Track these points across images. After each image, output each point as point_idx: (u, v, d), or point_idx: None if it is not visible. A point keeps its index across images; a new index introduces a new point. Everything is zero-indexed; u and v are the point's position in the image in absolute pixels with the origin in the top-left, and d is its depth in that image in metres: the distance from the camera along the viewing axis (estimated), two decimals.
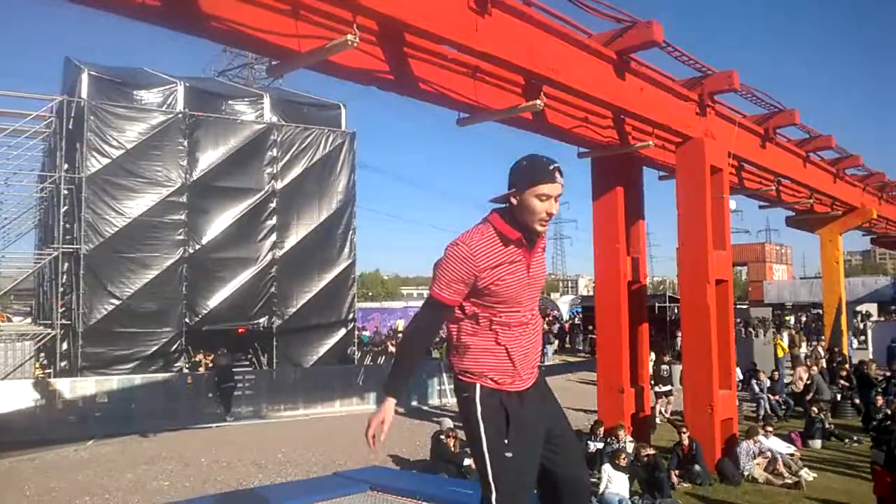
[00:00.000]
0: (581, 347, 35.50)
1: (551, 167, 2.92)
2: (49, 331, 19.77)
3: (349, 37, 6.60)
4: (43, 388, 16.56)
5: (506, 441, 2.94)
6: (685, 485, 10.93)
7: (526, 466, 3.00)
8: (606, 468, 10.31)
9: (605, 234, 13.31)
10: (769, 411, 16.48)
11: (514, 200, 2.94)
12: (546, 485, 3.15)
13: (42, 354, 20.38)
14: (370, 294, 76.99)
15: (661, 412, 16.12)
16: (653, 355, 16.32)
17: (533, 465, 3.04)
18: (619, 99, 10.50)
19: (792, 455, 11.75)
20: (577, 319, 41.86)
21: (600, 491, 10.06)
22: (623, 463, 10.35)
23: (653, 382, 16.53)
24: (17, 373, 18.34)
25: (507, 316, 3.00)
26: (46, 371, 19.75)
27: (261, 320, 21.00)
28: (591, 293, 45.61)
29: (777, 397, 17.14)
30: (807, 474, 11.14)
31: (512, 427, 2.96)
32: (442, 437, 11.74)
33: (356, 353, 23.62)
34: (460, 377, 3.06)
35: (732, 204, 15.95)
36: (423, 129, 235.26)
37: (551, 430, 3.11)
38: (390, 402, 3.04)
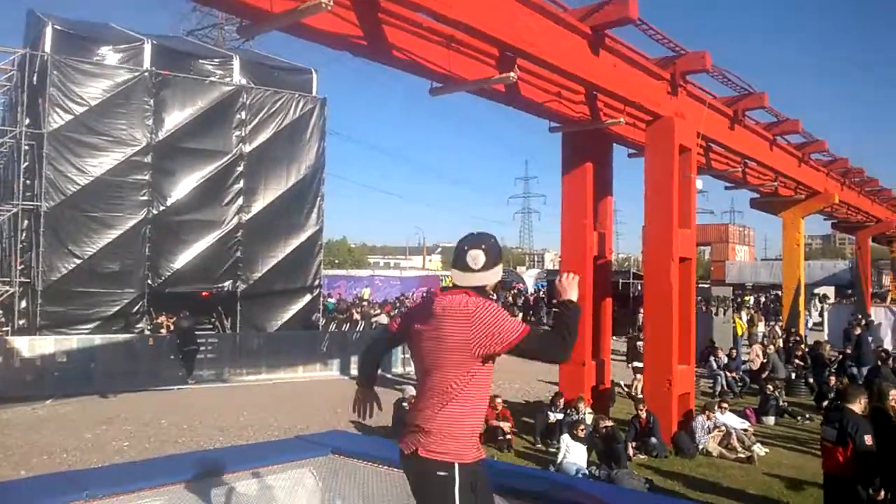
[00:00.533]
0: (545, 321, 35.83)
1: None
2: (7, 288, 19.39)
3: None
4: (0, 346, 16.29)
5: None
6: (641, 456, 11.17)
7: None
8: (565, 438, 10.51)
9: (573, 209, 13.40)
10: (725, 387, 16.87)
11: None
12: None
13: (0, 312, 20.00)
14: (336, 262, 76.66)
15: (635, 388, 16.25)
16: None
17: None
18: (593, 74, 10.53)
19: (746, 430, 12.06)
20: (542, 293, 42.18)
21: (559, 460, 10.27)
22: (581, 434, 10.56)
23: (629, 358, 16.85)
24: None
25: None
26: (4, 329, 19.40)
27: (225, 284, 20.83)
28: (556, 268, 45.93)
29: (734, 374, 17.53)
30: (759, 449, 11.46)
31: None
32: (404, 403, 11.82)
33: (321, 319, 23.58)
34: (445, 450, 3.21)
35: (699, 184, 16.17)
36: (393, 98, 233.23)
37: None
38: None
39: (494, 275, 3.35)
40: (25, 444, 11.45)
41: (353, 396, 3.72)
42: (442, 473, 3.13)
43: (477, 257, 3.32)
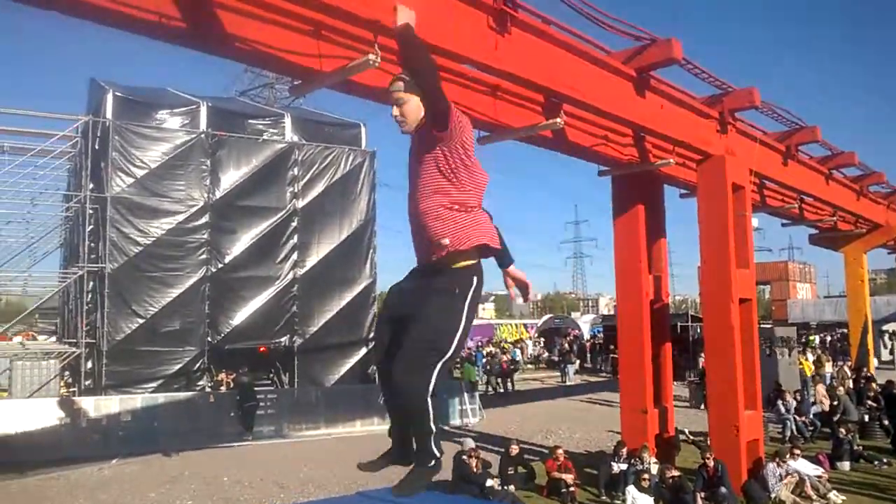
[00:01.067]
0: (602, 367, 35.23)
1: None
2: (74, 349, 19.95)
3: (371, 56, 6.65)
4: (68, 407, 16.70)
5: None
6: None
7: None
8: (631, 490, 10.22)
9: (626, 253, 13.25)
10: (795, 432, 16.21)
11: None
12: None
13: (67, 373, 20.54)
14: None
15: None
16: None
17: None
18: (639, 116, 10.48)
19: (819, 477, 11.56)
20: (598, 339, 41.57)
21: None
22: (647, 484, 10.24)
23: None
24: (43, 391, 18.50)
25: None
26: (71, 389, 19.91)
27: (282, 339, 21.06)
28: (612, 312, 45.38)
29: (804, 418, 16.88)
30: (835, 497, 10.97)
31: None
32: (464, 457, 11.65)
33: (377, 372, 23.58)
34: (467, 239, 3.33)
35: (755, 222, 15.81)
36: None
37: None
38: None
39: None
40: None
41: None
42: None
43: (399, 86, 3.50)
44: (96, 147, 19.88)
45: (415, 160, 3.44)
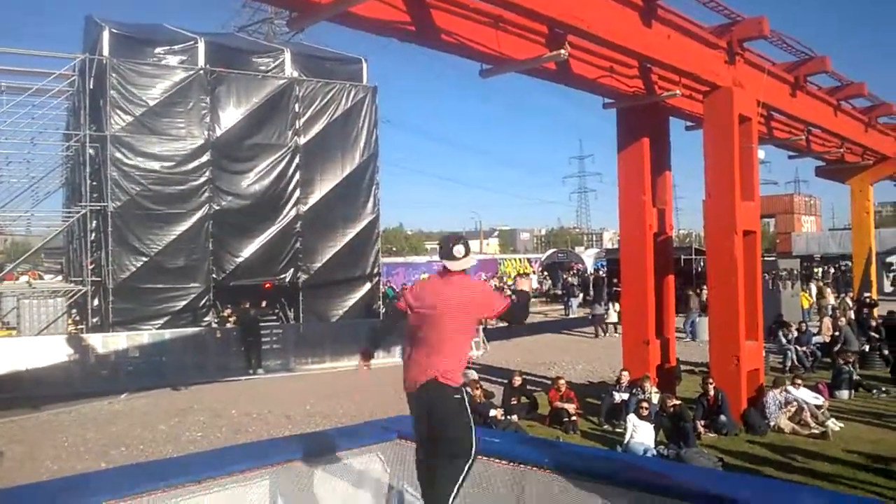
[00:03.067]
0: (605, 299, 35.41)
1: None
2: (80, 287, 20.11)
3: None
4: (76, 344, 16.94)
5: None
6: (711, 435, 10.97)
7: None
8: (631, 418, 10.38)
9: (630, 186, 13.18)
10: (796, 362, 16.40)
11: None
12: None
13: (74, 311, 20.75)
14: (394, 249, 77.29)
15: None
16: None
17: None
18: (646, 47, 10.29)
19: (819, 406, 11.72)
20: (602, 272, 41.73)
21: (626, 441, 10.16)
22: (647, 413, 10.41)
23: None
24: (51, 329, 18.73)
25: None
26: (79, 327, 20.14)
27: (286, 275, 21.18)
28: (615, 246, 45.44)
29: (804, 349, 17.05)
30: (834, 424, 11.13)
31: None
32: (467, 388, 11.81)
33: (381, 307, 23.79)
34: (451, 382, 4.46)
35: (761, 154, 15.70)
36: (444, 83, 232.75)
37: None
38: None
39: (470, 261, 4.57)
40: (104, 437, 11.88)
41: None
42: (457, 396, 4.45)
43: (459, 250, 4.53)
44: (93, 86, 19.62)
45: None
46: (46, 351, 16.24)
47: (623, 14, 9.73)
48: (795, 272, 24.07)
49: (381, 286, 24.56)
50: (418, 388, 4.42)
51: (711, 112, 12.26)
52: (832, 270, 39.14)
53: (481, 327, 22.10)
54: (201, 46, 20.45)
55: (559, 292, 37.61)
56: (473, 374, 12.61)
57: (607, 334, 23.32)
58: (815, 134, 18.55)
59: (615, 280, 24.49)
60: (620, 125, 13.41)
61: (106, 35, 19.31)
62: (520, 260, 54.10)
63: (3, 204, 22.38)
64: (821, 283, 29.40)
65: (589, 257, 51.92)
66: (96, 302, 19.68)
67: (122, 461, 10.00)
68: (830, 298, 25.91)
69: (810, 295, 25.80)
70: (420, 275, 40.51)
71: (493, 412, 11.18)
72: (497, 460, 5.30)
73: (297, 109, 21.35)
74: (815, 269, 37.90)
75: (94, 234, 19.84)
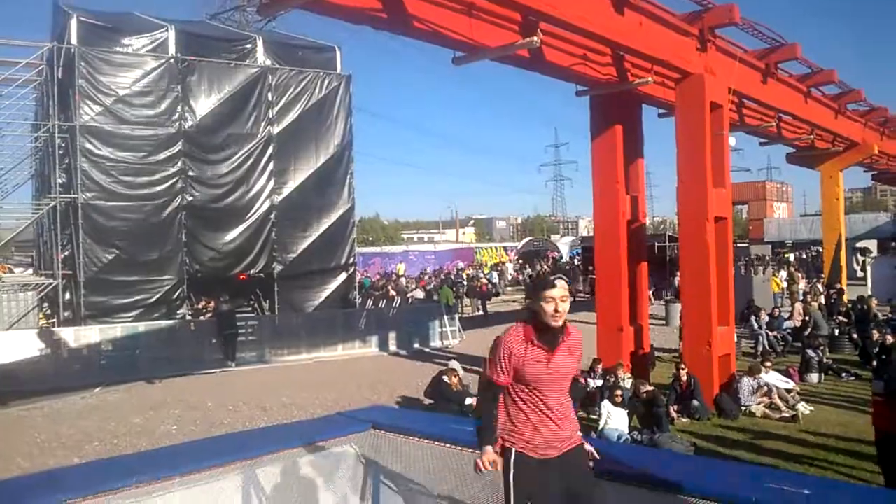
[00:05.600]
0: (581, 288, 35.67)
1: (553, 277, 3.73)
2: (51, 281, 19.81)
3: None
4: (48, 338, 16.70)
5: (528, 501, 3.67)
6: (683, 420, 11.11)
7: None
8: (605, 405, 10.47)
9: (604, 173, 13.26)
10: (767, 347, 16.64)
11: (532, 308, 3.77)
12: None
13: (45, 304, 20.45)
14: (370, 239, 77.10)
15: None
16: None
17: None
18: (618, 34, 10.33)
19: (789, 390, 11.90)
20: (577, 260, 41.99)
21: (600, 427, 10.24)
22: (620, 400, 10.50)
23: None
24: (22, 323, 18.46)
25: (535, 396, 3.73)
26: (50, 321, 19.86)
27: (261, 266, 21.03)
28: (590, 234, 45.72)
29: (776, 333, 17.28)
30: (804, 408, 11.31)
31: (538, 492, 3.69)
32: (444, 377, 11.83)
33: (357, 297, 23.75)
34: (503, 438, 3.76)
35: (732, 141, 15.80)
36: (417, 72, 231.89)
37: (575, 493, 3.75)
38: (489, 449, 3.68)
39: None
40: (78, 432, 11.76)
41: (478, 458, 3.71)
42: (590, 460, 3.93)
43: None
44: (61, 76, 19.26)
45: (546, 362, 3.72)
46: (17, 345, 16.01)
47: (595, 1, 9.75)
48: (767, 258, 24.38)
49: (357, 276, 24.49)
50: (561, 455, 3.77)
51: (683, 99, 12.34)
52: (803, 256, 39.69)
53: (456, 316, 22.19)
54: (172, 34, 20.13)
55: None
56: (455, 365, 12.61)
57: None
58: (785, 121, 18.73)
59: (590, 268, 24.67)
60: (594, 113, 13.46)
61: (74, 23, 18.94)
62: (496, 248, 54.24)
63: None
64: (792, 269, 29.78)
65: (565, 245, 52.20)
66: (67, 295, 19.40)
67: (95, 456, 9.91)
68: (802, 283, 26.28)
69: (781, 280, 26.14)
70: (396, 264, 40.52)
71: (468, 400, 11.21)
72: (472, 450, 5.29)
73: (270, 98, 21.13)
74: (786, 255, 38.37)
75: (63, 227, 19.52)
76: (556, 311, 3.64)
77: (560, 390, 3.81)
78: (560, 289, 3.67)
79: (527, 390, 3.75)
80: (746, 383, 11.77)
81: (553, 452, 3.73)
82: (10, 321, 18.32)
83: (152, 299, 19.30)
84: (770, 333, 17.14)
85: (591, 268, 30.13)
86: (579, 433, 3.96)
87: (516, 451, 3.72)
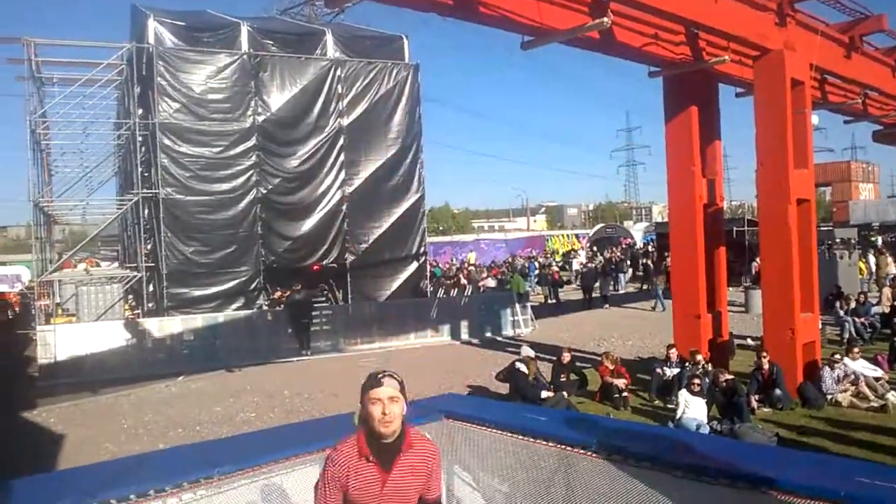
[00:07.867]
0: (652, 271, 34.94)
1: (379, 375, 3.08)
2: (135, 273, 20.55)
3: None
4: (133, 328, 17.39)
5: None
6: (765, 410, 10.76)
7: None
8: (683, 393, 10.20)
9: (678, 156, 12.91)
10: (854, 334, 15.93)
11: (361, 415, 3.10)
12: None
13: (130, 296, 21.25)
14: (441, 228, 77.36)
15: None
16: None
17: None
18: (692, 12, 10.01)
19: (878, 378, 11.38)
20: (651, 247, 41.17)
21: (678, 416, 10.00)
22: (699, 388, 10.22)
23: None
24: (109, 314, 19.20)
25: None
26: (135, 312, 20.62)
27: (334, 256, 21.33)
28: (665, 220, 44.73)
29: (863, 320, 16.55)
30: (893, 397, 10.78)
31: None
32: (520, 365, 11.71)
33: (429, 286, 23.83)
34: None
35: (815, 119, 15.20)
36: (486, 59, 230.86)
37: None
38: None
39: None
40: (162, 419, 12.19)
41: None
42: None
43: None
44: (142, 73, 19.94)
45: (381, 484, 3.09)
46: (105, 336, 16.73)
47: None
48: (853, 241, 23.36)
49: (428, 265, 24.58)
50: None
51: (762, 77, 11.87)
52: (891, 239, 37.91)
53: (528, 304, 22.04)
54: (244, 30, 20.58)
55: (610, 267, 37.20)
56: (530, 352, 12.48)
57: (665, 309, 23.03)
58: (871, 97, 17.85)
59: (665, 254, 24.14)
60: (667, 94, 13.11)
61: (151, 23, 19.58)
62: (567, 236, 53.69)
63: (59, 194, 23.08)
64: (880, 253, 28.47)
65: (638, 231, 51.29)
66: (151, 287, 20.10)
67: (178, 442, 10.25)
68: (891, 268, 25.09)
69: (868, 265, 25.02)
70: (467, 253, 40.54)
71: (544, 394, 11.11)
72: (546, 442, 5.19)
73: (339, 90, 21.36)
74: (873, 238, 36.72)
75: (146, 222, 20.22)
76: (383, 414, 3.00)
77: None
78: (388, 387, 3.04)
79: None
80: (829, 371, 11.30)
81: None
82: (97, 312, 19.08)
83: (230, 290, 19.82)
84: (857, 320, 16.42)
85: (665, 254, 29.53)
86: None
87: None
